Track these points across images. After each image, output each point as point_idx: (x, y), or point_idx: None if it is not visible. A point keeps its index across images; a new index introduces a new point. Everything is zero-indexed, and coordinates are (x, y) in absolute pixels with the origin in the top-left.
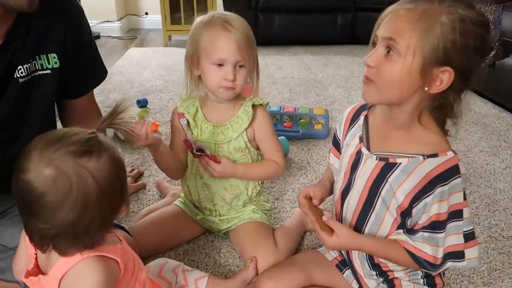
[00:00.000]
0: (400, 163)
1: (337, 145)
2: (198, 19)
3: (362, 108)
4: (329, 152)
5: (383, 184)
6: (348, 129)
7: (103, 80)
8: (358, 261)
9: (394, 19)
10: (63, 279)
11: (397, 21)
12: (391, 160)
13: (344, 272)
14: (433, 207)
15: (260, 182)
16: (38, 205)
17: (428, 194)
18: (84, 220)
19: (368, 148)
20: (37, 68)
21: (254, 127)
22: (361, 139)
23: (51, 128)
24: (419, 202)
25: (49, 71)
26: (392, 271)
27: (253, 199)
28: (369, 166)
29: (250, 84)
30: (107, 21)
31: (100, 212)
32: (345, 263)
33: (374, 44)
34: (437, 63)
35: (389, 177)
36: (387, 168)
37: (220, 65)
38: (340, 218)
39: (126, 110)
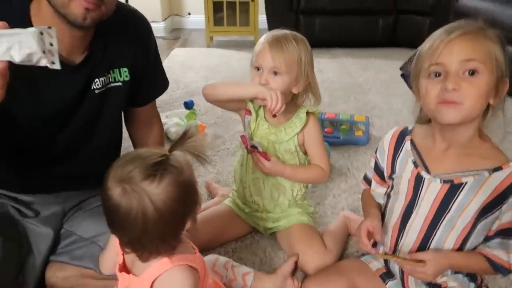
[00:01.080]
0: (466, 183)
1: (380, 173)
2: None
3: (403, 134)
4: (365, 179)
5: (450, 205)
6: (394, 157)
7: (165, 91)
8: (414, 284)
9: (459, 43)
10: (156, 282)
11: (464, 44)
12: (456, 181)
13: (386, 283)
14: (506, 215)
15: (304, 185)
16: (112, 216)
17: (501, 204)
18: (146, 235)
19: (428, 172)
20: (110, 80)
21: (304, 133)
22: (415, 163)
23: (118, 134)
24: (491, 214)
25: (120, 83)
26: (445, 282)
27: (298, 201)
28: (433, 190)
29: (301, 97)
30: (153, 22)
31: (161, 230)
32: (388, 275)
33: (437, 74)
34: (503, 75)
35: (456, 198)
36: (453, 189)
37: (258, 69)
38: (398, 240)
39: (195, 135)
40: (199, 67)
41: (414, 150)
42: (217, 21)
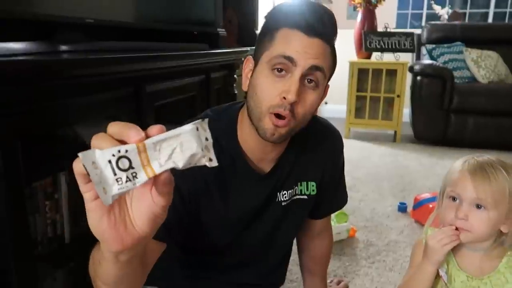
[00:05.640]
0: None
1: None
2: (458, 161)
3: None
4: None
5: None
6: None
7: (344, 206)
8: None
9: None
10: None
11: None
12: None
13: None
14: None
15: None
16: None
17: None
18: None
19: None
20: (297, 193)
21: None
22: None
23: (290, 245)
24: None
25: (305, 197)
26: None
27: None
28: None
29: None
30: None
31: None
32: None
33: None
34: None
35: None
36: None
37: (455, 199)
38: None
39: None
40: None
41: None
42: (358, 113)
